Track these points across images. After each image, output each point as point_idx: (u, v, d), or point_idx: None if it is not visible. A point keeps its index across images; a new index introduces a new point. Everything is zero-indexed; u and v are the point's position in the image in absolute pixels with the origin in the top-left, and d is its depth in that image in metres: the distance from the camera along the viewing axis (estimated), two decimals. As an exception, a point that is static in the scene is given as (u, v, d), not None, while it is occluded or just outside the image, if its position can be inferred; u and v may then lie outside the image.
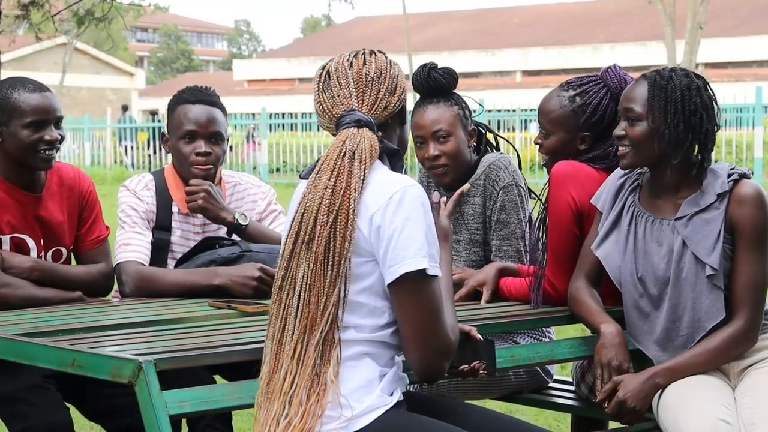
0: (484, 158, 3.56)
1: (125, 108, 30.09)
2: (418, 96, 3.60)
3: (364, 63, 2.47)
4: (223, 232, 3.67)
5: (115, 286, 3.57)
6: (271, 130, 24.68)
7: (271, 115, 25.20)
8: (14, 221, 3.37)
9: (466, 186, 2.90)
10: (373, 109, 2.45)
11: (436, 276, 2.36)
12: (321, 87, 2.49)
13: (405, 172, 2.49)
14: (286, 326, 2.37)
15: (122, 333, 2.82)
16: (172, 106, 3.68)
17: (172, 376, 2.51)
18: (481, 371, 2.55)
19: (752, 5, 45.75)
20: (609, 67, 3.34)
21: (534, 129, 21.70)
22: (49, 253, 3.46)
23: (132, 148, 26.62)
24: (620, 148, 2.98)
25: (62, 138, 3.38)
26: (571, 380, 3.62)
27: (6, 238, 3.37)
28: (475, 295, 3.31)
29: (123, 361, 2.41)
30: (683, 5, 25.32)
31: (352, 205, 2.34)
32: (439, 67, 3.53)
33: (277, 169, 23.98)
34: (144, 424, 2.37)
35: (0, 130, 3.33)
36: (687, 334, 2.94)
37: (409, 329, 2.36)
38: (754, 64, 42.59)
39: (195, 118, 3.61)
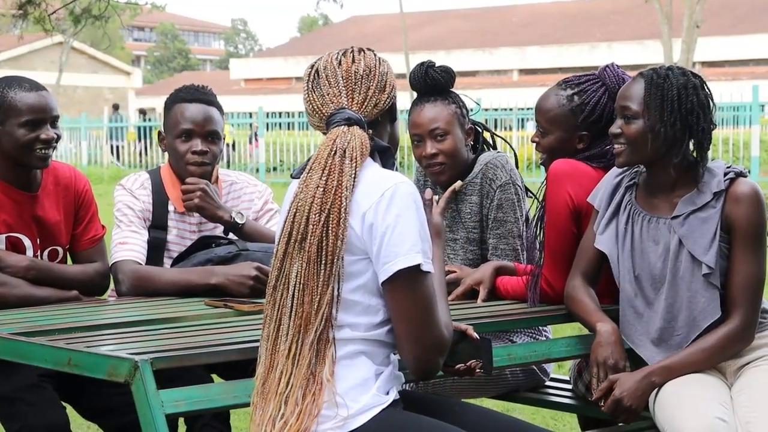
0: (481, 157, 3.56)
1: (116, 107, 30.12)
2: (415, 94, 3.60)
3: (353, 61, 2.46)
4: (219, 231, 3.66)
5: (112, 285, 3.57)
6: (267, 129, 24.68)
7: (267, 114, 25.19)
8: (10, 220, 3.36)
9: (458, 183, 2.90)
10: (363, 106, 2.45)
11: (429, 272, 2.36)
12: (310, 86, 2.48)
13: (396, 169, 2.48)
14: (281, 326, 2.37)
15: (118, 332, 2.82)
16: (168, 105, 3.68)
17: (169, 375, 2.50)
18: (477, 370, 2.55)
19: (749, 4, 45.80)
20: (607, 66, 3.34)
21: (531, 128, 21.70)
22: (45, 253, 3.45)
23: (123, 147, 26.74)
24: (616, 146, 2.98)
25: (58, 137, 3.37)
26: (568, 379, 3.62)
27: (2, 238, 3.37)
28: (471, 294, 3.31)
29: (119, 360, 2.41)
30: (680, 4, 25.33)
31: (344, 203, 2.34)
32: (436, 65, 3.53)
33: (274, 168, 23.98)
34: (140, 423, 2.37)
35: (-4, 130, 3.32)
36: (682, 333, 2.93)
37: (403, 326, 2.36)
38: (751, 62, 42.64)
39: (191, 116, 3.61)
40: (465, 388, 3.49)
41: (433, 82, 3.51)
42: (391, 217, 2.33)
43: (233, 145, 25.60)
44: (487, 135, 3.71)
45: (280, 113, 26.72)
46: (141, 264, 3.51)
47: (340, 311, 2.35)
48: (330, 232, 2.33)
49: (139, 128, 26.42)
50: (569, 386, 3.59)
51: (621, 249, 3.02)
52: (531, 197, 3.52)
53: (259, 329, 2.46)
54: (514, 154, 3.76)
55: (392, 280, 2.33)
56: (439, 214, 2.63)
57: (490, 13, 56.06)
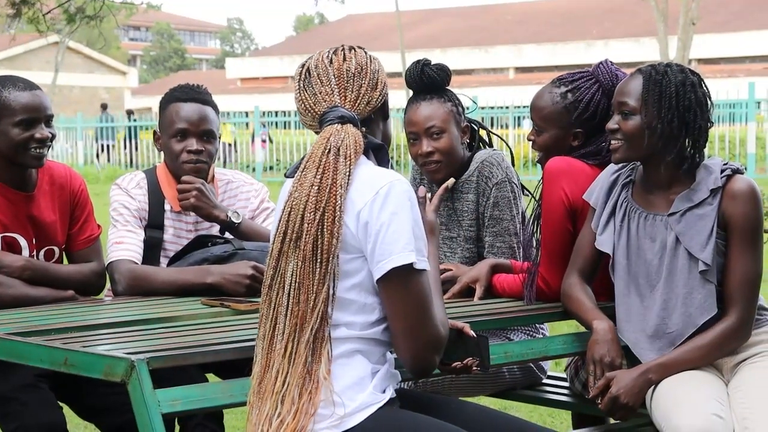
0: (477, 155, 3.56)
1: (104, 107, 30.13)
2: (411, 93, 3.59)
3: (344, 59, 2.46)
4: (215, 230, 3.66)
5: (108, 285, 3.56)
6: (264, 128, 24.69)
7: (264, 113, 25.19)
8: (6, 220, 3.36)
9: (451, 181, 2.90)
10: (356, 104, 2.44)
11: (424, 270, 2.35)
12: (302, 85, 2.48)
13: (392, 167, 2.48)
14: (277, 325, 2.37)
15: (115, 332, 2.81)
16: (163, 105, 3.68)
17: (165, 375, 2.50)
18: (474, 367, 2.55)
19: (744, 0, 45.83)
20: (601, 63, 3.34)
21: (527, 126, 21.71)
22: (41, 252, 3.45)
23: (113, 146, 26.82)
24: (613, 142, 2.98)
25: (53, 136, 3.37)
26: (564, 376, 3.62)
27: (-3, 237, 3.36)
28: (468, 292, 3.31)
29: (115, 360, 2.41)
30: (676, 1, 25.33)
31: (339, 201, 2.33)
32: (432, 63, 3.53)
33: (270, 167, 23.98)
34: (137, 423, 2.36)
35: (-9, 129, 3.32)
36: (677, 330, 2.93)
37: (398, 324, 2.35)
38: (747, 59, 42.67)
39: (186, 116, 3.60)
40: (462, 386, 3.48)
41: (429, 81, 3.50)
42: (386, 216, 2.32)
43: (234, 145, 25.64)
44: (483, 133, 3.71)
45: (276, 112, 26.73)
46: (137, 263, 3.51)
47: (335, 310, 2.35)
48: (325, 230, 2.33)
49: (127, 128, 26.54)
50: (566, 384, 3.59)
51: (617, 246, 3.02)
52: (527, 195, 3.52)
53: (256, 328, 2.46)
54: (510, 152, 3.76)
55: (387, 278, 2.33)
56: (433, 212, 2.62)
57: (485, 11, 56.07)
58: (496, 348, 2.86)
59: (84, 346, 2.57)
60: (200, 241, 3.59)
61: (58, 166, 3.53)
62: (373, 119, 2.50)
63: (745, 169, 3.06)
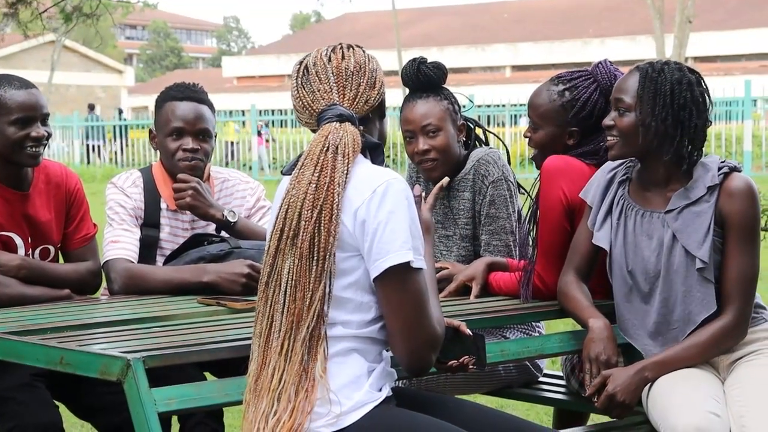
0: (474, 153, 3.56)
1: (91, 107, 30.10)
2: (407, 91, 3.59)
3: (343, 57, 2.46)
4: (211, 228, 3.65)
5: (104, 284, 3.56)
6: (266, 129, 24.70)
7: (260, 111, 25.18)
8: (1, 219, 3.35)
9: (445, 180, 2.90)
10: (354, 103, 2.44)
11: (421, 269, 2.35)
12: (300, 82, 2.48)
13: (387, 166, 2.48)
14: (273, 323, 2.36)
15: (111, 330, 2.81)
16: (159, 103, 3.68)
17: (161, 374, 2.50)
18: (470, 366, 2.55)
19: (740, -1, 45.85)
20: (600, 62, 3.34)
21: (524, 124, 21.72)
22: (37, 251, 3.44)
23: (101, 146, 26.82)
24: (608, 138, 2.98)
25: (49, 135, 3.36)
26: (561, 375, 3.62)
27: (-7, 236, 3.36)
28: (464, 290, 3.31)
29: (111, 359, 2.41)
30: (672, -1, 25.35)
31: (336, 199, 2.33)
32: (428, 61, 3.53)
33: (267, 166, 23.98)
34: (133, 422, 2.36)
35: (-14, 128, 3.31)
36: (678, 327, 2.93)
37: (395, 322, 2.35)
38: (743, 57, 42.69)
39: (182, 115, 3.60)
40: (458, 385, 3.48)
41: (425, 79, 3.50)
42: (383, 214, 2.32)
43: (235, 144, 25.63)
44: (479, 131, 3.70)
45: (272, 111, 26.73)
46: (133, 262, 3.50)
47: (332, 308, 2.35)
48: (322, 228, 2.33)
49: (114, 128, 26.56)
50: (562, 382, 3.59)
51: (614, 243, 3.02)
52: (523, 193, 3.52)
53: (252, 327, 2.46)
54: (506, 150, 3.76)
55: (383, 277, 2.33)
56: (428, 210, 2.62)
57: (482, 10, 56.06)
58: (492, 346, 2.86)
59: (80, 345, 2.57)
60: (196, 240, 3.59)
61: (53, 165, 3.52)
62: (370, 118, 2.50)
63: (742, 166, 3.06)
